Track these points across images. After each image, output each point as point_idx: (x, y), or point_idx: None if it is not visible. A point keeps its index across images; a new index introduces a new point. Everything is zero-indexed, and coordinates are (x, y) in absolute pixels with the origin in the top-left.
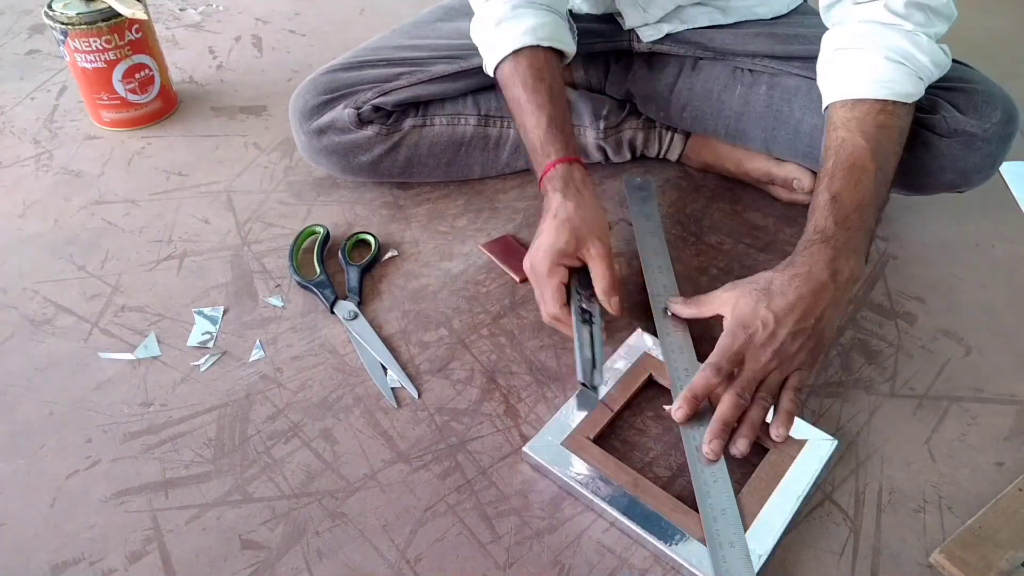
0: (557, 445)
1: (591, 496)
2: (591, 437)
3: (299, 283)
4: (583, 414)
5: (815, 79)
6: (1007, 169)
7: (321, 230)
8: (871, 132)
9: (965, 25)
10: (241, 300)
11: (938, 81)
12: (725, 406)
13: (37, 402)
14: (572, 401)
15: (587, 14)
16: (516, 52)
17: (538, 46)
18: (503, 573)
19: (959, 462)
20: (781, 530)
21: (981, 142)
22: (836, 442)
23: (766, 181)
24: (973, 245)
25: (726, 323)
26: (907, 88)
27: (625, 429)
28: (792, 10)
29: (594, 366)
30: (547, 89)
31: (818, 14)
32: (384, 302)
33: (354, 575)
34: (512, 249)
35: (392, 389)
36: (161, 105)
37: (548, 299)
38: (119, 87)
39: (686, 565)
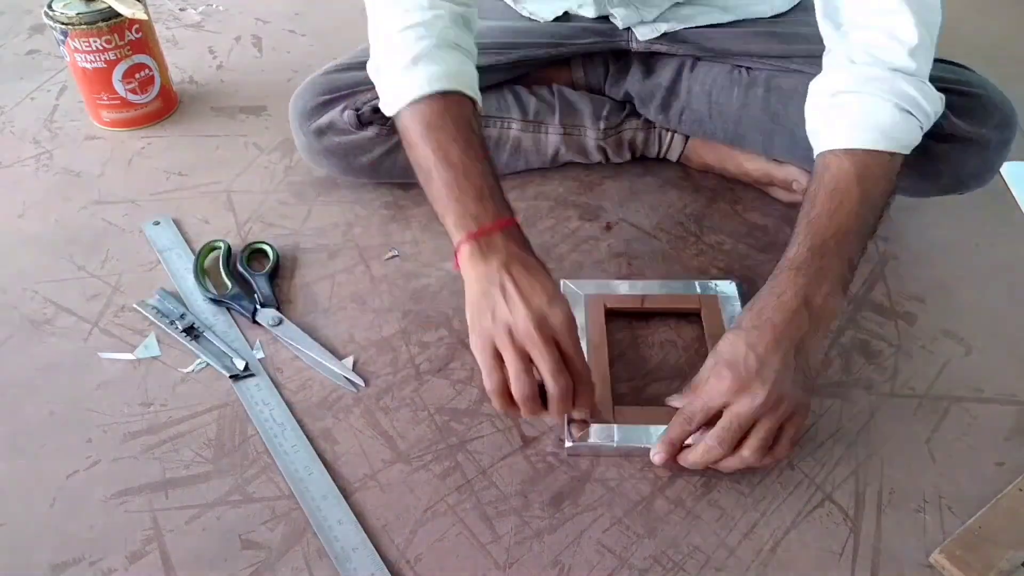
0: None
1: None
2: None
3: (212, 300)
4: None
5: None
6: (1007, 170)
7: (222, 245)
8: (860, 157)
9: (965, 26)
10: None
11: (936, 85)
12: (696, 455)
13: (37, 402)
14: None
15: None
16: (439, 95)
17: (462, 92)
18: (503, 573)
19: (959, 462)
20: None
21: (979, 147)
22: None
23: (766, 182)
24: (973, 245)
25: (709, 364)
26: (910, 140)
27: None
28: (793, 7)
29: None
30: (480, 143)
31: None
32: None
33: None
34: None
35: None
36: (161, 105)
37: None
38: (119, 87)
39: None
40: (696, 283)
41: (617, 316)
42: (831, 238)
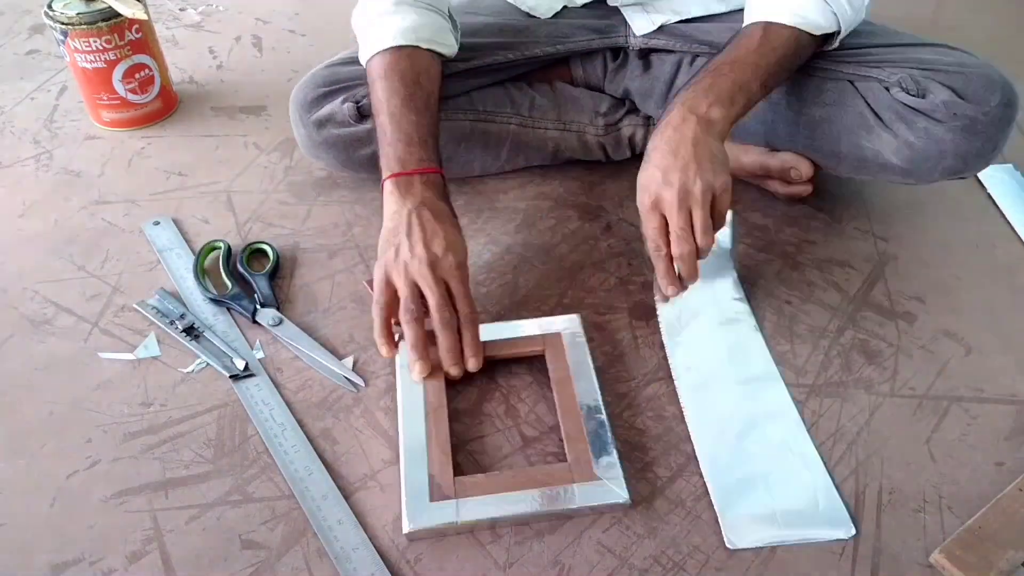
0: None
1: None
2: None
3: (212, 300)
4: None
5: (810, 69)
6: (986, 174)
7: (222, 245)
8: (773, 26)
9: (965, 25)
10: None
11: (937, 66)
12: (677, 247)
13: (37, 402)
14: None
15: (585, 6)
16: (394, 49)
17: (417, 47)
18: (503, 573)
19: (959, 462)
20: None
21: (982, 126)
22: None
23: (762, 174)
24: (973, 245)
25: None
26: (818, 20)
27: (625, 429)
28: None
29: None
30: (424, 96)
31: None
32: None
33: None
34: None
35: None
36: (161, 105)
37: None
38: (119, 87)
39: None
40: (538, 322)
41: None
42: (725, 64)
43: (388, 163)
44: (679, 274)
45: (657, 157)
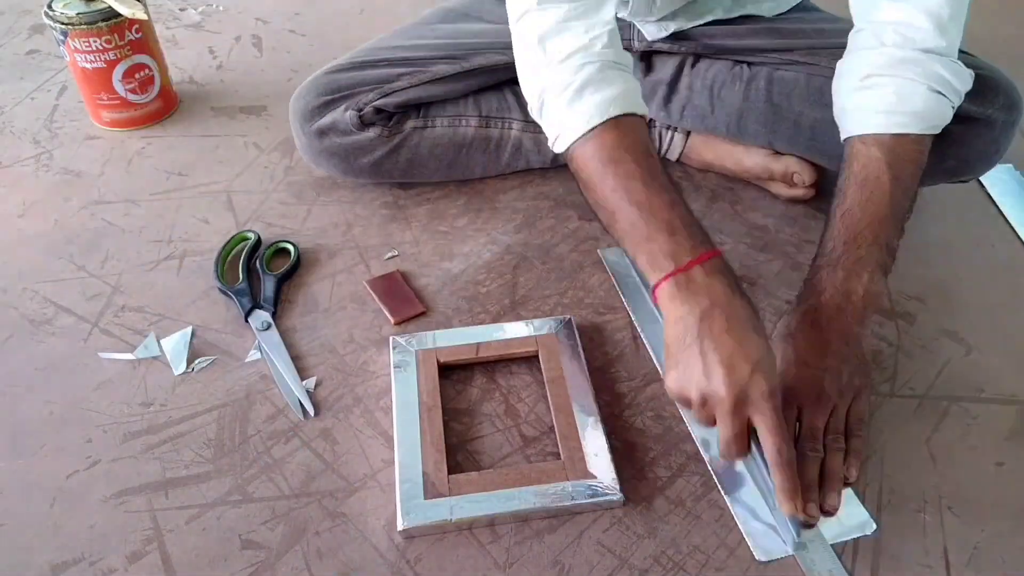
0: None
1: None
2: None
3: (220, 290)
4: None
5: (814, 70)
6: (986, 174)
7: (252, 236)
8: (889, 143)
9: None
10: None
11: None
12: (803, 468)
13: (37, 402)
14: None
15: None
16: (612, 122)
17: (634, 115)
18: (503, 573)
19: (959, 462)
20: None
21: (985, 127)
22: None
23: (765, 177)
24: (973, 245)
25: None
26: (941, 120)
27: (625, 429)
28: (793, 7)
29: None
30: (661, 169)
31: (816, 9)
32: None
33: (354, 575)
34: (395, 289)
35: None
36: (161, 105)
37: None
38: (119, 87)
39: None
40: (532, 323)
41: (454, 369)
42: (866, 228)
43: (653, 262)
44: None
45: (804, 346)
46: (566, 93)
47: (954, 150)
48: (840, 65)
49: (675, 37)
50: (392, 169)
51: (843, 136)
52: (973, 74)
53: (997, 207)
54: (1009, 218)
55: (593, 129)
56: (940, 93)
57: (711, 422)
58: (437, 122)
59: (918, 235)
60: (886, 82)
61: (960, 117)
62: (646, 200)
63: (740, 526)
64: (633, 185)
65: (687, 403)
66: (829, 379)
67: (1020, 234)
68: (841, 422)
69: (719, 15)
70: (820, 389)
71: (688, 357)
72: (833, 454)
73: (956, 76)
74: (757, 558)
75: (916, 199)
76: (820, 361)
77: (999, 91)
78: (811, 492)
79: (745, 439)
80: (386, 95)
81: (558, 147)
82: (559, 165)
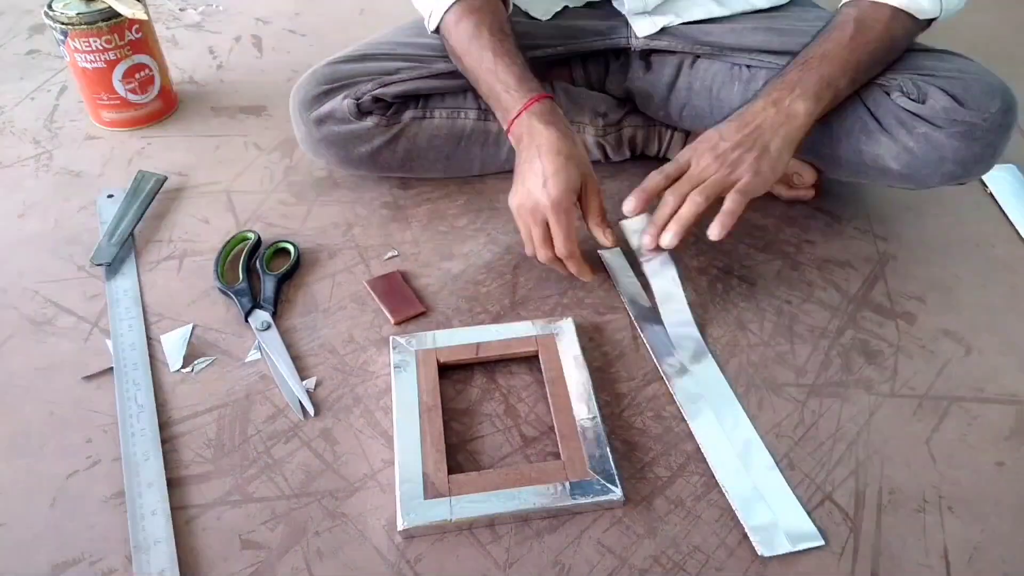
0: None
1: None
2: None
3: (220, 290)
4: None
5: None
6: (988, 174)
7: (252, 236)
8: (864, 6)
9: (965, 25)
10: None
11: (937, 72)
12: (664, 203)
13: (37, 402)
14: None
15: (586, 7)
16: (467, 3)
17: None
18: (503, 573)
19: (959, 462)
20: None
21: (981, 132)
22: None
23: None
24: (973, 245)
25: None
26: (927, 7)
27: (625, 429)
28: (789, 1)
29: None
30: (513, 40)
31: (816, 7)
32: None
33: (354, 575)
34: (395, 289)
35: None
36: (161, 105)
37: (567, 236)
38: (119, 87)
39: None
40: (532, 324)
41: (454, 369)
42: (814, 58)
43: (503, 116)
44: (657, 228)
45: (726, 127)
46: None
47: (952, 155)
48: None
49: (671, 35)
50: (390, 160)
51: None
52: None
53: (998, 207)
54: (1011, 218)
55: (456, 3)
56: None
57: (527, 230)
58: (436, 113)
59: (918, 235)
60: None
61: (957, 122)
62: (494, 68)
63: (743, 522)
64: (486, 56)
65: (516, 216)
66: (724, 146)
67: (1021, 234)
68: (716, 184)
69: (713, 9)
70: (711, 149)
71: (515, 181)
72: (689, 200)
73: None
74: (760, 553)
75: (877, 71)
76: (729, 136)
77: (995, 96)
78: (660, 225)
79: (541, 241)
80: (385, 85)
81: (431, 25)
82: None
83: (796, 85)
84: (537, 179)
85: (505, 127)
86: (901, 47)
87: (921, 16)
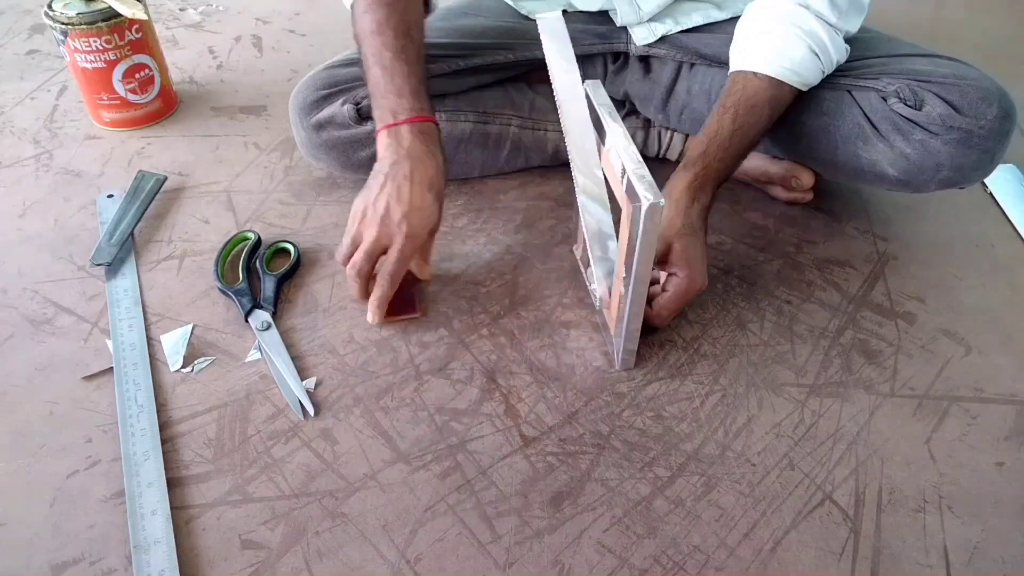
0: None
1: None
2: None
3: (220, 290)
4: None
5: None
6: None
7: (252, 236)
8: (774, 84)
9: (965, 25)
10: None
11: (934, 78)
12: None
13: (37, 402)
14: None
15: (582, 12)
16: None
17: None
18: (503, 573)
19: (959, 462)
20: None
21: (979, 139)
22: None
23: (764, 180)
24: (973, 245)
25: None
26: (810, 78)
27: (625, 429)
28: None
29: None
30: (417, 48)
31: None
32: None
33: (354, 575)
34: (400, 287)
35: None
36: (161, 105)
37: (399, 268)
38: (119, 87)
39: None
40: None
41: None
42: (730, 147)
43: (381, 115)
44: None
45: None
46: None
47: (949, 161)
48: (747, 8)
49: (669, 44)
50: None
51: (731, 69)
52: (848, 50)
53: (998, 207)
54: (1011, 218)
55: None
56: (816, 54)
57: (358, 236)
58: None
59: (918, 235)
60: (776, 29)
61: (954, 129)
62: (390, 68)
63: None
64: (385, 54)
65: (356, 218)
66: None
67: (1021, 234)
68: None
69: (713, 13)
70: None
71: (373, 184)
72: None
73: (833, 45)
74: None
75: (754, 143)
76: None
77: (992, 102)
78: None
79: (368, 253)
80: None
81: (346, 2)
82: (559, 164)
83: (708, 179)
84: (401, 201)
85: (380, 125)
86: (781, 111)
87: (805, 88)
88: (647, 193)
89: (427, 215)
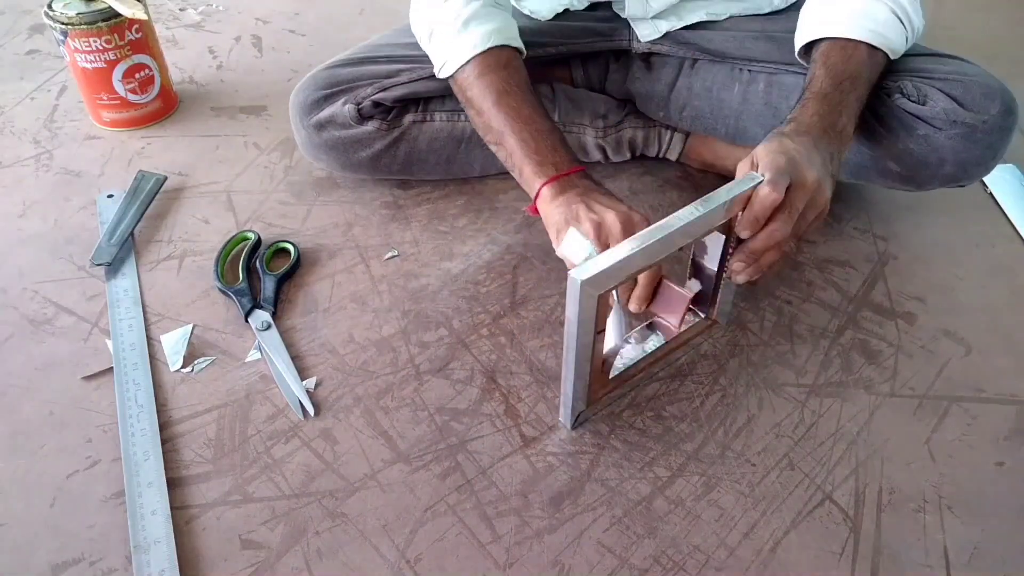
0: None
1: None
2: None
3: (220, 290)
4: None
5: None
6: (989, 175)
7: (252, 236)
8: (865, 49)
9: (965, 25)
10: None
11: (937, 74)
12: (763, 243)
13: (37, 402)
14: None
15: (587, 9)
16: (486, 52)
17: (507, 46)
18: (503, 573)
19: (959, 462)
20: None
21: (981, 134)
22: None
23: None
24: (973, 245)
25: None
26: (898, 45)
27: (625, 429)
28: (789, 5)
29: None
30: (539, 99)
31: None
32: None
33: (354, 575)
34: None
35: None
36: (161, 105)
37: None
38: (119, 87)
39: None
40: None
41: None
42: (847, 79)
43: (539, 171)
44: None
45: (800, 144)
46: (454, 24)
47: (952, 157)
48: None
49: (673, 40)
50: (391, 163)
51: (812, 37)
52: (925, 22)
53: (998, 207)
54: (1011, 218)
55: (477, 56)
56: (899, 18)
57: (604, 244)
58: (436, 116)
59: (918, 235)
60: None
61: (957, 124)
62: (533, 126)
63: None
64: (523, 112)
65: (590, 231)
66: (812, 174)
67: (1021, 233)
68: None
69: (718, 9)
70: (820, 203)
71: (575, 213)
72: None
73: (914, 9)
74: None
75: (860, 111)
76: (827, 179)
77: (995, 98)
78: (753, 259)
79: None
80: (385, 89)
81: (444, 72)
82: None
83: (841, 109)
84: (614, 209)
85: (540, 180)
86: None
87: (894, 56)
88: (575, 273)
89: (637, 219)
